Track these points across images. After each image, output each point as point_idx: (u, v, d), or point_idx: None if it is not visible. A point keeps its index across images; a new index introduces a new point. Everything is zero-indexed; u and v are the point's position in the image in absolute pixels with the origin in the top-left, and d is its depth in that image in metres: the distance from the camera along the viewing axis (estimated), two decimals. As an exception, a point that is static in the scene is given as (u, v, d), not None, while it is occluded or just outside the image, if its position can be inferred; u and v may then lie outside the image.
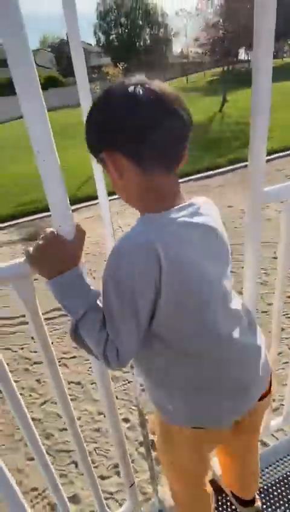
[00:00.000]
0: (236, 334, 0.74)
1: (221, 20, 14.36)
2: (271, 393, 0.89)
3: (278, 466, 1.36)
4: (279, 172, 5.80)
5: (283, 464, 1.36)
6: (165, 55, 26.68)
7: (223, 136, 9.25)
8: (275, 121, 9.82)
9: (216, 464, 1.27)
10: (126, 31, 34.46)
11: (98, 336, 0.62)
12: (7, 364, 2.54)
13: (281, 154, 6.85)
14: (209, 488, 1.03)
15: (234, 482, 1.19)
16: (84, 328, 0.64)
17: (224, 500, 1.27)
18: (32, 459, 1.73)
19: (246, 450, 1.06)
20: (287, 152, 7.00)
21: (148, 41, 34.15)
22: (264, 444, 1.58)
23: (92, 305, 0.64)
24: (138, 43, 34.19)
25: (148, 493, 1.53)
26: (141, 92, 0.59)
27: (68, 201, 0.60)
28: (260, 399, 0.84)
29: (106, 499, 1.56)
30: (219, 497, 1.28)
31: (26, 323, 2.88)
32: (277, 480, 1.31)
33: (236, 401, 0.78)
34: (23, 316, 2.93)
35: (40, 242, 0.63)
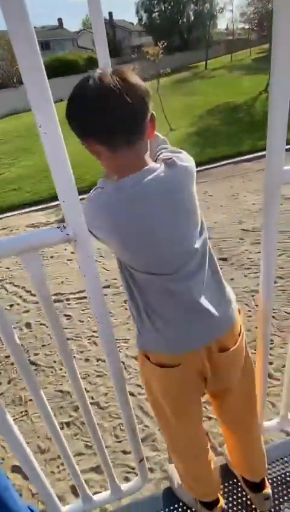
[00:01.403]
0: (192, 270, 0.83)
1: (271, -9, 13.44)
2: (236, 348, 0.91)
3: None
4: None
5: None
6: (209, 32, 25.48)
7: (266, 118, 8.77)
8: None
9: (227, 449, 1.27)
10: (169, 7, 33.28)
11: None
12: (41, 339, 2.65)
13: None
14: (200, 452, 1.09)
15: (242, 464, 1.22)
16: None
17: (235, 486, 1.27)
18: (61, 428, 1.82)
19: (243, 422, 1.09)
20: None
21: (192, 17, 32.79)
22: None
23: None
24: (181, 20, 32.97)
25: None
26: (89, 82, 0.68)
27: (72, 175, 0.61)
28: (222, 351, 0.88)
29: (128, 472, 1.62)
30: (230, 482, 1.28)
31: (59, 300, 2.99)
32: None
33: (189, 325, 0.85)
34: (55, 294, 3.04)
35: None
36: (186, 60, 26.62)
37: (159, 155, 0.83)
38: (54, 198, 5.79)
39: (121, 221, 0.75)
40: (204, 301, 0.84)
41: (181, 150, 0.84)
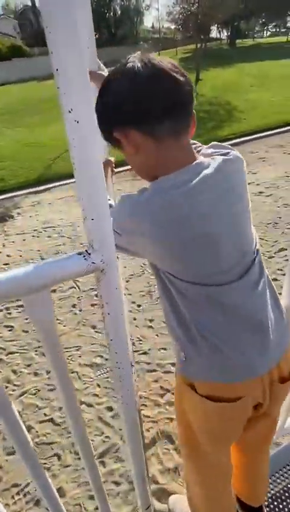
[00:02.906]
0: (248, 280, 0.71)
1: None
2: None
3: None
4: (252, 154, 5.82)
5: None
6: (136, 28, 25.63)
7: (198, 116, 9.07)
8: (248, 102, 9.80)
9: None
10: (95, 0, 32.70)
11: None
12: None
13: (254, 136, 6.87)
14: (230, 497, 0.96)
15: (244, 488, 1.12)
16: None
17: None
18: (11, 453, 1.65)
19: (260, 447, 0.99)
20: (260, 134, 7.01)
21: (119, 12, 32.62)
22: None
23: None
24: (107, 14, 32.59)
25: (134, 481, 1.52)
26: (138, 66, 0.62)
27: (104, 183, 0.45)
28: (282, 380, 0.77)
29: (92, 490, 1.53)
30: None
31: (-1, 311, 2.63)
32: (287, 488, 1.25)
33: (254, 347, 0.71)
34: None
35: None
36: (116, 55, 26.42)
37: (199, 150, 0.76)
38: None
39: (176, 222, 0.63)
40: (268, 316, 0.72)
41: (226, 144, 0.77)
